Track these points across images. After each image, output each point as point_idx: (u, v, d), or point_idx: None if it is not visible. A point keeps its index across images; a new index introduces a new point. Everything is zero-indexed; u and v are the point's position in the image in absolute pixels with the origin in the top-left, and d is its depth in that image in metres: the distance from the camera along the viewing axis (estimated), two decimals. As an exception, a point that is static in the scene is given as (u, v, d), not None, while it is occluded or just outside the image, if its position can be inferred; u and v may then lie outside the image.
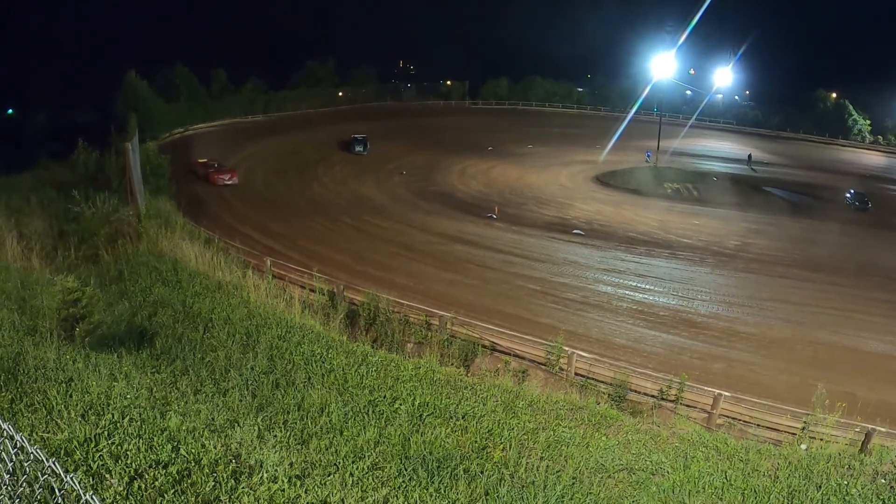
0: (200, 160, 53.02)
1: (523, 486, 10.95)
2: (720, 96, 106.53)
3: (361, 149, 64.84)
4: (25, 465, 4.57)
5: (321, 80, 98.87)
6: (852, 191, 56.57)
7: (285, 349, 15.90)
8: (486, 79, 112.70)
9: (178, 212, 32.04)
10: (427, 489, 9.80)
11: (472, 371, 19.58)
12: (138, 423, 8.76)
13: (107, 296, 18.26)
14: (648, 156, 68.97)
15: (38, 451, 4.19)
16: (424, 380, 15.12)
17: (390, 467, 10.40)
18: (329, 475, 9.13)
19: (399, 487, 9.65)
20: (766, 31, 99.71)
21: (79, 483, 6.72)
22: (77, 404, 9.04)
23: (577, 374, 19.81)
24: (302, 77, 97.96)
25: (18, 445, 4.61)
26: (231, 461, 8.23)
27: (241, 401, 12.33)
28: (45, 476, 4.12)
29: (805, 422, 16.45)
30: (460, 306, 24.25)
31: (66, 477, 3.76)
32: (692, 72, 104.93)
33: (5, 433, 4.87)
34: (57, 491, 3.97)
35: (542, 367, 20.39)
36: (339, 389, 13.96)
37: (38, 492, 4.44)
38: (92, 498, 3.55)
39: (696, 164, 70.41)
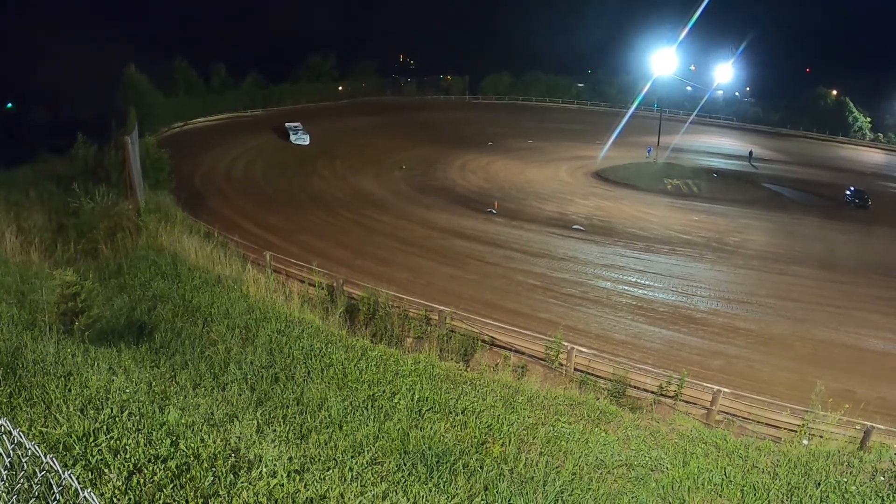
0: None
1: (523, 482, 10.94)
2: (721, 92, 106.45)
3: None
4: (24, 460, 4.55)
5: (321, 75, 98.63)
6: (852, 188, 56.51)
7: (284, 343, 15.89)
8: (487, 73, 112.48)
9: (178, 206, 32.03)
10: (426, 484, 9.78)
11: (472, 366, 19.57)
12: (137, 417, 8.74)
13: (106, 290, 18.23)
14: (649, 152, 68.86)
15: (35, 446, 4.16)
16: (424, 374, 15.12)
17: (389, 462, 10.38)
18: (328, 470, 9.10)
19: (398, 482, 9.64)
20: (768, 27, 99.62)
21: (77, 478, 6.74)
22: (76, 398, 9.02)
23: (576, 369, 19.83)
24: (302, 71, 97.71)
25: (16, 441, 4.58)
26: (230, 456, 8.21)
27: (240, 395, 12.30)
28: (44, 472, 4.09)
29: (804, 419, 16.47)
30: (460, 301, 24.25)
31: (63, 473, 3.72)
32: (693, 68, 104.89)
33: (3, 428, 4.84)
34: (55, 486, 3.94)
35: (542, 362, 20.41)
36: (339, 384, 13.95)
37: (35, 487, 4.42)
38: (90, 494, 3.52)
39: (696, 160, 70.32)
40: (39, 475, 4.14)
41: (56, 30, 73.78)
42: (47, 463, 3.90)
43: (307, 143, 63.54)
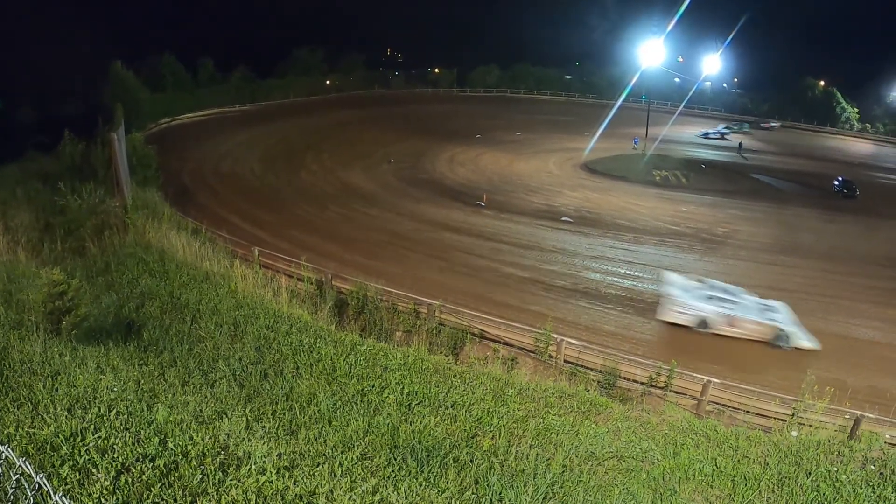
0: None
1: (513, 475, 10.94)
2: (709, 84, 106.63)
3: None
4: (0, 464, 4.50)
5: (310, 69, 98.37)
6: (840, 178, 56.74)
7: (273, 339, 15.83)
8: (475, 66, 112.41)
9: (165, 202, 31.85)
10: (416, 479, 9.77)
11: (461, 359, 19.58)
12: (125, 416, 8.69)
13: (93, 288, 18.12)
14: (636, 143, 68.92)
15: (10, 451, 4.12)
16: (413, 368, 15.10)
17: (379, 457, 10.36)
18: (318, 466, 9.08)
19: (388, 477, 9.62)
20: (755, 17, 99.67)
21: (65, 479, 6.69)
22: (63, 398, 8.96)
23: (566, 361, 19.84)
24: (290, 65, 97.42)
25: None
26: (219, 453, 8.17)
27: (229, 392, 12.26)
28: (18, 475, 4.04)
29: (794, 408, 16.54)
30: (449, 294, 24.24)
31: (36, 477, 3.68)
32: (681, 59, 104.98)
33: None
34: (28, 491, 3.90)
35: (532, 354, 20.42)
36: (328, 379, 13.91)
37: (11, 491, 4.36)
38: (61, 499, 3.48)
39: (685, 151, 70.43)
40: (14, 478, 4.09)
41: (42, 27, 73.23)
42: (20, 466, 3.86)
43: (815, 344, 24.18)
